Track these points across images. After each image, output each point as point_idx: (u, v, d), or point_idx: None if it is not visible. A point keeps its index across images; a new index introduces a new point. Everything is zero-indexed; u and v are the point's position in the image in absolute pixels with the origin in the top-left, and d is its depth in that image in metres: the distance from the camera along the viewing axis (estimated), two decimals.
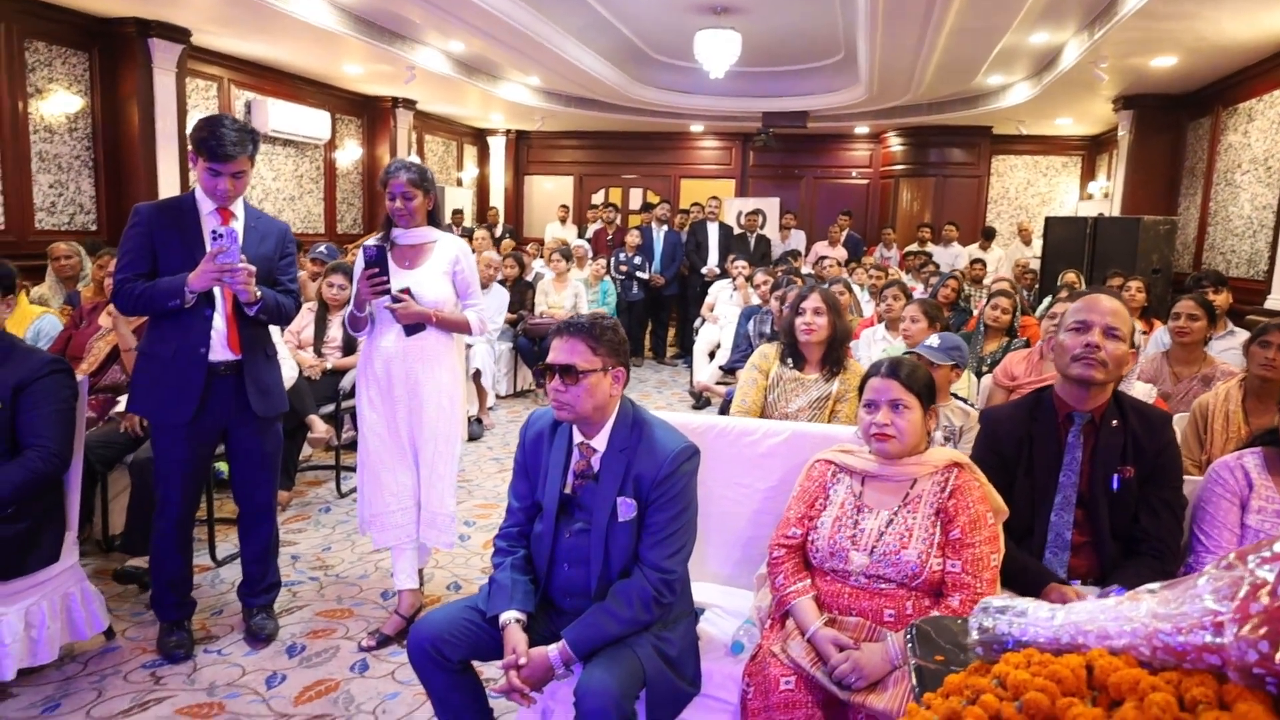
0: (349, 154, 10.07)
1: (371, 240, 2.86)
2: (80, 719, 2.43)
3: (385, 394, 2.91)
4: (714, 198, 9.28)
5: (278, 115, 8.50)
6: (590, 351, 1.96)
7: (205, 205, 2.70)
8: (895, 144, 12.42)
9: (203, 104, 7.81)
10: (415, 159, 3.19)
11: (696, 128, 13.01)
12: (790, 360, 3.15)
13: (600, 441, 2.02)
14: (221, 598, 3.23)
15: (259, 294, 2.65)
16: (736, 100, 11.24)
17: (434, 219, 2.97)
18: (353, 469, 4.84)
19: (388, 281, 2.74)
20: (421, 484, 2.95)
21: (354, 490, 4.55)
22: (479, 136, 13.44)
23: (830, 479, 2.09)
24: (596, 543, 1.96)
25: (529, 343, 6.98)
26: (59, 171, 6.48)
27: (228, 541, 3.73)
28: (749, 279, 6.98)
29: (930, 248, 9.90)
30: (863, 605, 1.92)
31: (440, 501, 2.94)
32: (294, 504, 4.32)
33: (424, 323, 2.87)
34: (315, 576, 3.48)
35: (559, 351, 1.96)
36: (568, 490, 2.03)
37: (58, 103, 6.39)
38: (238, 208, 2.75)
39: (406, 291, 2.83)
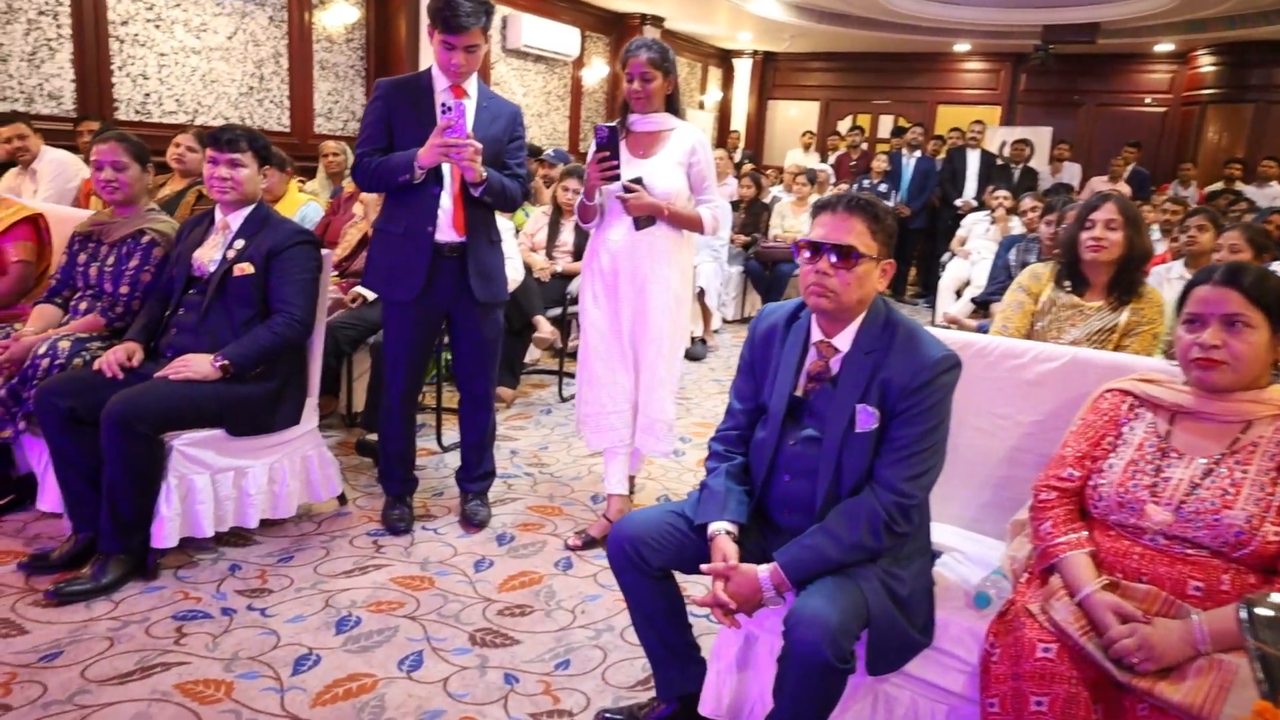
0: (595, 72, 10.12)
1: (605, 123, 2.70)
2: (308, 572, 2.56)
3: (610, 290, 2.77)
4: (977, 122, 8.37)
5: (530, 30, 8.64)
6: (870, 234, 1.68)
7: (440, 82, 2.65)
8: (1206, 64, 10.58)
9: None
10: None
11: (961, 46, 11.82)
12: (1069, 283, 2.66)
13: (844, 340, 1.73)
14: (443, 481, 3.32)
15: (484, 174, 2.59)
16: (1011, 11, 10.01)
17: (673, 105, 2.76)
18: (575, 376, 4.89)
19: (618, 166, 2.58)
20: (641, 388, 2.81)
21: (575, 395, 4.57)
22: (724, 58, 13.06)
23: (1126, 414, 1.68)
24: (827, 453, 1.70)
25: (760, 266, 6.69)
26: (336, 80, 6.96)
27: (453, 430, 3.84)
28: (1012, 210, 6.22)
29: (1241, 187, 8.38)
30: (1158, 572, 1.52)
31: (659, 407, 2.79)
32: (517, 403, 4.40)
33: (655, 216, 2.69)
34: (530, 473, 3.49)
35: (833, 228, 1.68)
36: (799, 393, 1.78)
37: (338, 14, 6.83)
38: (471, 85, 2.69)
39: (638, 182, 2.65)
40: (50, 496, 2.63)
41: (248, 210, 2.68)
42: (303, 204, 4.19)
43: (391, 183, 2.60)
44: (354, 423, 3.85)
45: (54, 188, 4.30)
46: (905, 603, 1.65)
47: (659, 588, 1.83)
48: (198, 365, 2.48)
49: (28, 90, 5.11)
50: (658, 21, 10.41)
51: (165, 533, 2.43)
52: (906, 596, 1.66)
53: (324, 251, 2.79)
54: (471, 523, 2.92)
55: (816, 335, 1.78)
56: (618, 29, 10.28)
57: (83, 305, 2.87)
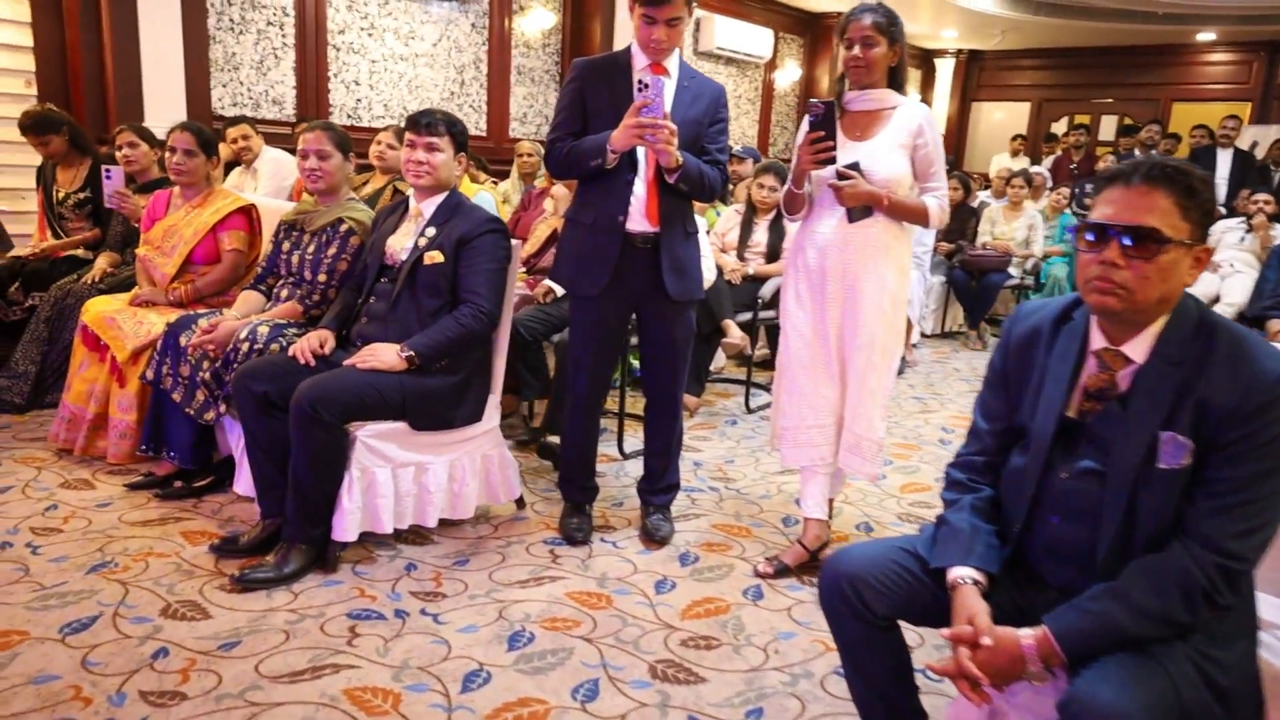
0: (787, 74, 9.78)
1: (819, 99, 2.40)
2: (483, 579, 2.42)
3: (816, 289, 2.47)
4: (1232, 117, 7.34)
5: (724, 32, 8.44)
6: (1178, 212, 1.29)
7: (639, 60, 2.46)
8: None
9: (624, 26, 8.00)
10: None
11: (1204, 36, 10.51)
12: None
13: (1138, 348, 1.35)
14: (623, 491, 3.13)
15: (680, 159, 2.36)
16: None
17: (896, 80, 2.42)
18: (763, 386, 4.60)
19: (834, 147, 2.28)
20: (848, 400, 2.49)
21: (763, 407, 4.28)
22: (925, 59, 12.33)
23: None
24: (1115, 493, 1.32)
25: (965, 276, 6.13)
26: (531, 84, 7.05)
27: (635, 437, 3.65)
28: (1275, 216, 5.34)
29: None
30: None
31: (867, 423, 2.46)
32: (701, 412, 4.16)
33: (872, 206, 2.37)
34: (715, 487, 3.23)
35: (1127, 205, 1.31)
36: (1072, 414, 1.41)
37: (536, 20, 6.92)
38: (672, 63, 2.47)
39: (854, 167, 2.34)
40: (245, 480, 2.64)
41: (440, 197, 2.60)
42: (474, 194, 4.12)
43: (583, 168, 2.43)
44: (535, 427, 3.75)
45: (271, 185, 4.52)
46: (1228, 695, 1.25)
47: (883, 640, 1.51)
48: (384, 355, 2.41)
49: (255, 96, 5.45)
50: None
51: (346, 525, 2.36)
52: (1228, 687, 1.26)
53: (513, 242, 2.66)
54: (653, 538, 2.70)
55: (1098, 342, 1.41)
56: (813, 30, 9.90)
57: (283, 292, 2.90)
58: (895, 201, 2.37)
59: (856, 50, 2.34)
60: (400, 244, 2.59)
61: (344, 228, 2.83)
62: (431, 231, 2.55)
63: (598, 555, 2.61)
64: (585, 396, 2.65)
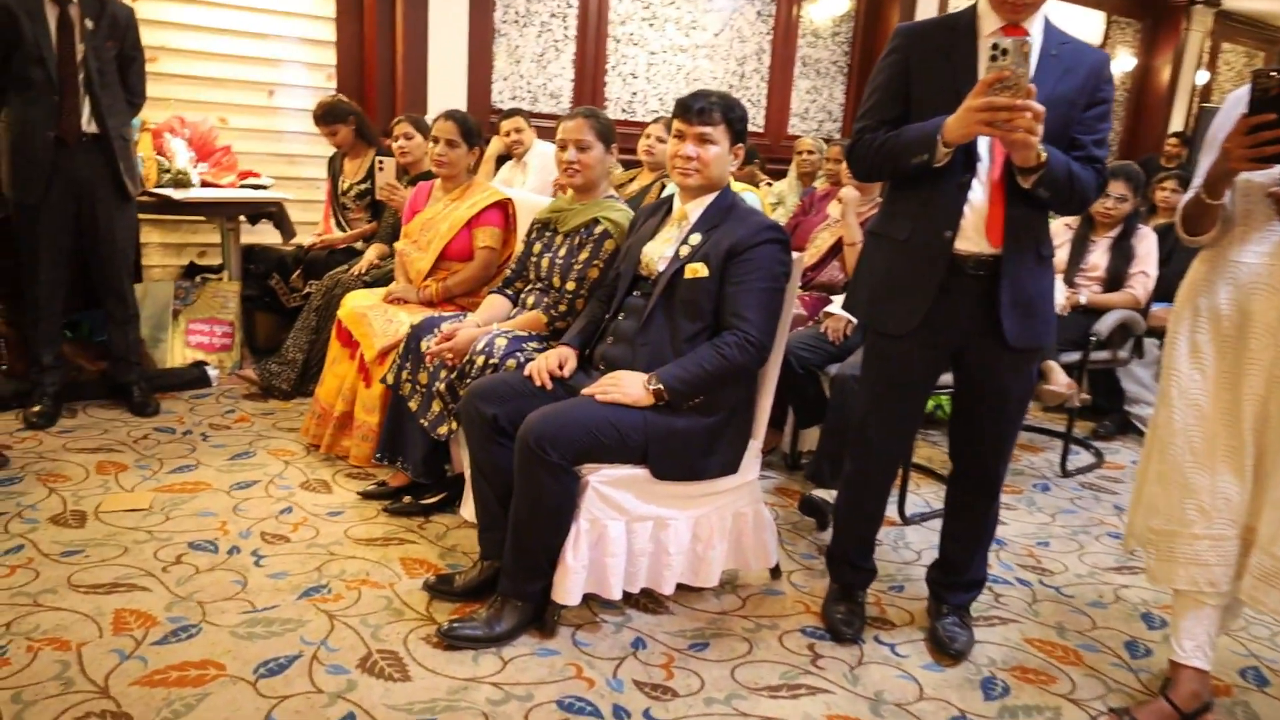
0: (1119, 64, 8.36)
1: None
2: (723, 675, 1.93)
3: (1229, 344, 1.72)
4: None
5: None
6: None
7: (988, 22, 1.82)
8: None
9: (928, 9, 7.08)
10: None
11: None
12: None
13: None
14: (904, 569, 2.50)
15: (1044, 154, 1.71)
16: None
17: None
18: (1084, 443, 3.72)
19: None
20: (1265, 505, 1.71)
21: (1084, 470, 3.43)
22: None
23: None
24: None
25: None
26: (816, 77, 6.47)
27: (920, 495, 3.00)
28: None
29: None
30: None
31: None
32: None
33: None
34: (1026, 580, 2.51)
35: None
36: None
37: (826, 7, 6.32)
38: (1034, 25, 1.82)
39: None
40: (472, 505, 2.36)
41: (710, 198, 2.14)
42: (739, 194, 3.61)
43: (900, 166, 1.84)
44: (796, 464, 3.21)
45: (539, 179, 4.34)
46: None
47: None
48: (629, 386, 1.99)
49: (534, 89, 5.37)
50: (1212, 1, 8.30)
51: (569, 586, 1.97)
52: None
53: (793, 255, 2.15)
54: (946, 650, 2.06)
55: None
56: (1153, 12, 8.39)
57: (530, 299, 2.60)
58: None
59: None
60: (658, 252, 2.16)
61: (599, 230, 2.47)
62: (696, 239, 2.10)
63: (870, 662, 2.03)
64: (872, 462, 2.07)
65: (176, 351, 3.67)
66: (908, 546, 2.65)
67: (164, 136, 3.80)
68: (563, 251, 2.54)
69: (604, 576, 2.03)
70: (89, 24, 2.90)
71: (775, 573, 2.38)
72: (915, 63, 1.88)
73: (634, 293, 2.20)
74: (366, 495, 2.69)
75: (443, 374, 2.48)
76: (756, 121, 6.28)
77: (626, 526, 2.04)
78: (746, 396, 2.15)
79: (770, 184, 5.36)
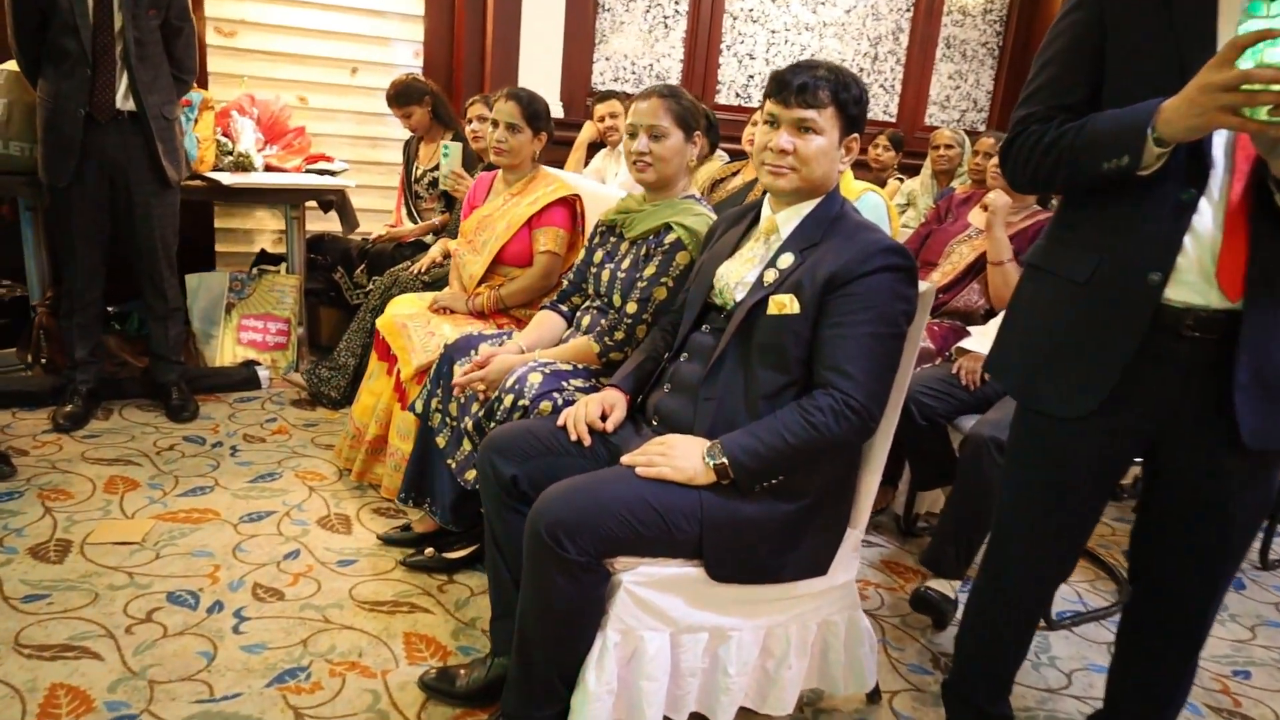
0: None
1: None
2: None
3: None
4: None
5: None
6: None
7: None
8: None
9: None
10: None
11: None
12: None
13: None
14: (1048, 702, 1.90)
15: None
16: None
17: None
18: None
19: None
20: None
21: None
22: None
23: None
24: None
25: None
26: (961, 60, 5.71)
27: (1075, 586, 2.36)
28: None
29: None
30: None
31: None
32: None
33: None
34: None
35: None
36: None
37: None
38: None
39: None
40: None
41: (810, 206, 1.60)
42: (858, 194, 3.02)
43: (1083, 173, 1.25)
44: (912, 530, 2.62)
45: (628, 173, 3.86)
46: None
47: None
48: (682, 458, 1.48)
49: (639, 70, 4.88)
50: None
51: (591, 715, 1.49)
52: None
53: (922, 287, 1.58)
54: None
55: None
56: None
57: (585, 320, 2.13)
58: None
59: None
60: (736, 275, 1.64)
61: (670, 239, 1.96)
62: (786, 261, 1.56)
63: None
64: (1015, 583, 1.49)
65: (227, 349, 3.39)
66: (1053, 663, 2.04)
67: (231, 116, 3.53)
68: (626, 263, 2.06)
69: (638, 703, 1.53)
70: None
71: (873, 696, 1.83)
72: (1114, 18, 1.28)
73: (702, 327, 1.69)
74: (386, 540, 2.29)
75: (473, 407, 2.04)
76: (889, 110, 5.59)
77: (672, 640, 1.54)
78: (843, 476, 1.61)
79: (902, 180, 4.70)
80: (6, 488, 2.39)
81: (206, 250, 3.99)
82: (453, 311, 2.57)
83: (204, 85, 3.79)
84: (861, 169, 4.86)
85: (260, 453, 2.77)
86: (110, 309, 3.35)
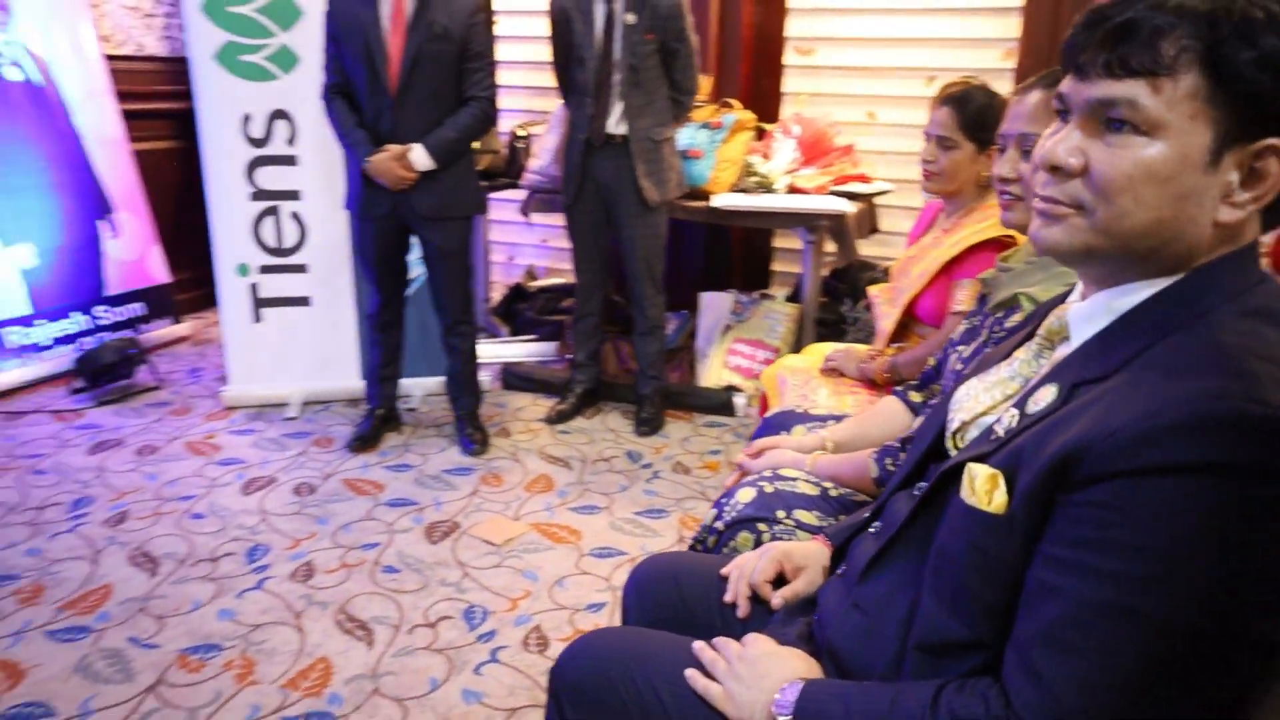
0: None
1: None
2: None
3: None
4: None
5: None
6: None
7: None
8: None
9: None
10: None
11: None
12: None
13: None
14: None
15: None
16: None
17: None
18: None
19: None
20: None
21: None
22: None
23: None
24: None
25: None
26: None
27: None
28: None
29: None
30: None
31: None
32: None
33: None
34: None
35: None
36: None
37: None
38: None
39: None
40: None
41: (1143, 292, 0.77)
42: None
43: None
44: None
45: None
46: None
47: None
48: (747, 687, 0.89)
49: None
50: None
51: None
52: None
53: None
54: None
55: None
56: None
57: (916, 423, 1.46)
58: None
59: None
60: (979, 404, 0.89)
61: (1011, 321, 1.20)
62: (1046, 395, 0.78)
63: None
64: None
65: (714, 370, 3.37)
66: None
67: (774, 136, 3.48)
68: (969, 349, 1.34)
69: None
70: (630, 19, 2.71)
71: None
72: None
73: (916, 483, 0.97)
74: None
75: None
76: None
77: None
78: None
79: None
80: (469, 462, 2.78)
81: (760, 268, 4.05)
82: (842, 374, 2.06)
83: (771, 106, 3.82)
84: None
85: (673, 485, 2.68)
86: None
